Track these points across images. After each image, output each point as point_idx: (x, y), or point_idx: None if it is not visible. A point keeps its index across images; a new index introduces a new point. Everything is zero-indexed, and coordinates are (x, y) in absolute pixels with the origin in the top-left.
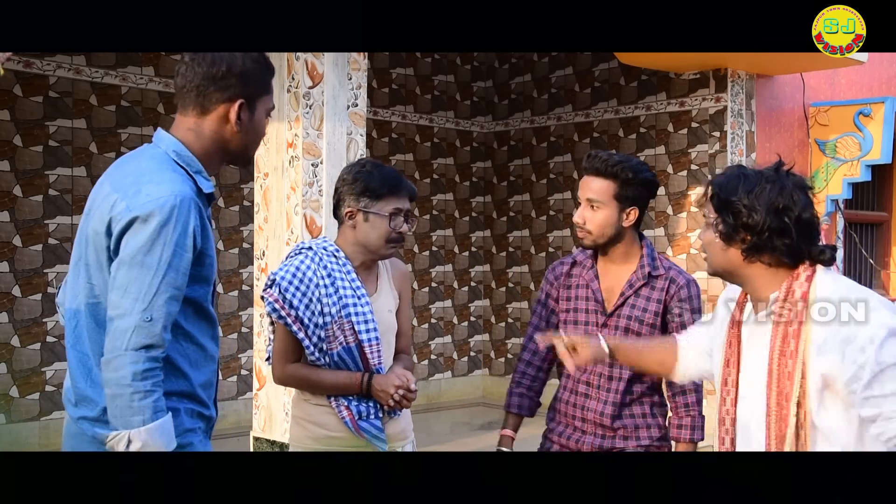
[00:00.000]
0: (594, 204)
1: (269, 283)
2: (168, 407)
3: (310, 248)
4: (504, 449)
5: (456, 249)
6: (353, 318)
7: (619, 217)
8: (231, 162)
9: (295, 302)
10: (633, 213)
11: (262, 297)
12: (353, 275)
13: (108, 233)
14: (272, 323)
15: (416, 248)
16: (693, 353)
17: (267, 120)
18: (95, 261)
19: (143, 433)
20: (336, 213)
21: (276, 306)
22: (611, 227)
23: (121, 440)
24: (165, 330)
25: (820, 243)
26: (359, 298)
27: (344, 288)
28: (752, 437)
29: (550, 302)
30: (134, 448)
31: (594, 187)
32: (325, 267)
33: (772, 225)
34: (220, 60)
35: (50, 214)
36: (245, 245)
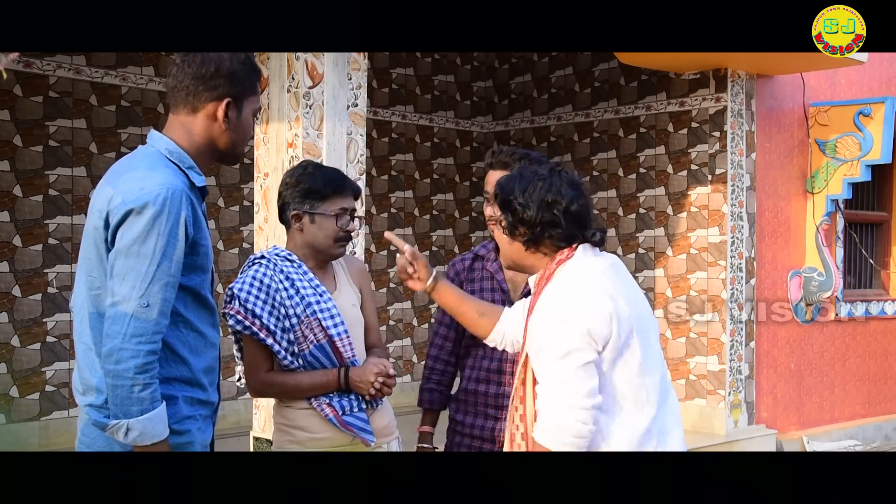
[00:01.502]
0: None
1: (228, 298)
2: (167, 394)
3: (262, 256)
4: (426, 446)
5: (456, 249)
6: (319, 315)
7: None
8: (220, 159)
9: (258, 311)
10: None
11: (224, 314)
12: (311, 274)
13: (106, 226)
14: (238, 341)
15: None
16: (514, 323)
17: (254, 121)
18: (96, 254)
19: (141, 422)
20: (281, 217)
21: (240, 318)
22: None
23: (120, 428)
24: (162, 315)
25: (593, 228)
26: (320, 296)
27: (304, 288)
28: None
29: None
30: (132, 436)
31: None
32: (282, 271)
33: (543, 218)
34: (209, 61)
35: (50, 214)
36: (245, 245)
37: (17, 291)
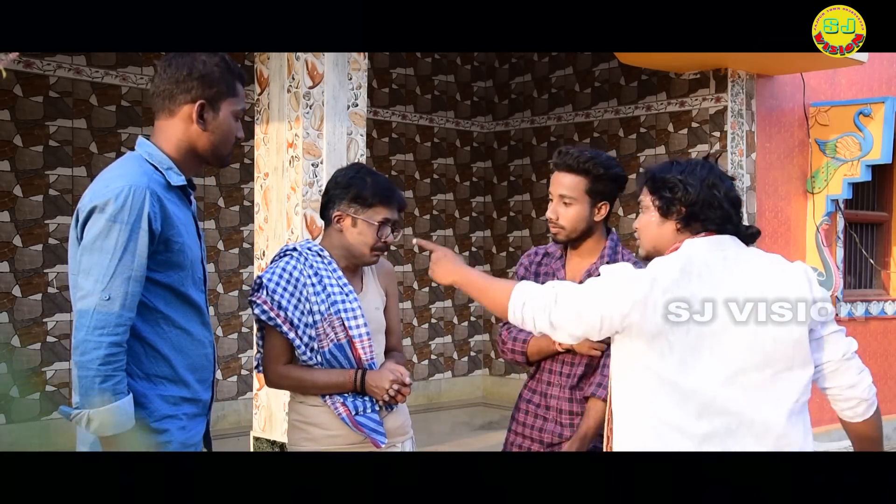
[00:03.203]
0: (567, 200)
1: (255, 286)
2: (143, 391)
3: (294, 249)
4: None
5: (456, 249)
6: (343, 315)
7: (590, 212)
8: (205, 161)
9: (283, 303)
10: (605, 208)
11: (251, 302)
12: (339, 272)
13: (76, 223)
14: (261, 329)
15: (416, 248)
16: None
17: (237, 122)
18: (73, 252)
19: (102, 413)
20: (324, 214)
21: (265, 308)
22: (583, 222)
23: (82, 418)
24: (125, 308)
25: (745, 223)
26: (347, 295)
27: (331, 286)
28: None
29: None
30: (93, 426)
31: (566, 183)
32: (312, 266)
33: (704, 197)
34: (183, 64)
35: (50, 214)
36: (245, 245)
37: (17, 291)
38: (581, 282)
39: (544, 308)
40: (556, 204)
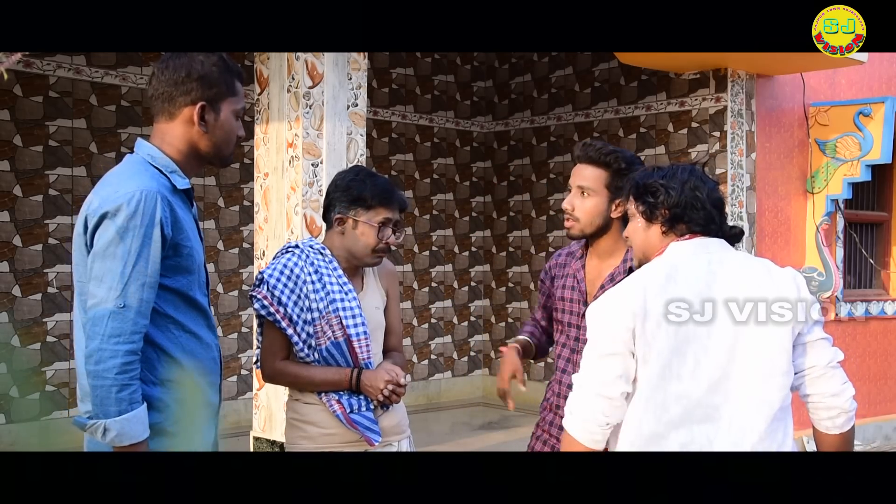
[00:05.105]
0: (585, 191)
1: (257, 281)
2: (158, 397)
3: (297, 246)
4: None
5: (456, 249)
6: (341, 313)
7: (608, 207)
8: (207, 162)
9: (284, 299)
10: (622, 207)
11: (251, 297)
12: (340, 271)
13: (86, 230)
14: (261, 325)
15: (416, 248)
16: None
17: (238, 121)
18: (81, 259)
19: (119, 422)
20: (325, 216)
21: (266, 303)
22: (599, 217)
23: (98, 428)
24: (140, 315)
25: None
26: (346, 294)
27: (331, 284)
28: None
29: (545, 287)
30: (110, 436)
31: (587, 175)
32: (312, 264)
33: (687, 198)
34: (181, 66)
35: (50, 214)
36: (245, 245)
37: (17, 291)
38: (603, 286)
39: (585, 408)
40: (574, 195)
